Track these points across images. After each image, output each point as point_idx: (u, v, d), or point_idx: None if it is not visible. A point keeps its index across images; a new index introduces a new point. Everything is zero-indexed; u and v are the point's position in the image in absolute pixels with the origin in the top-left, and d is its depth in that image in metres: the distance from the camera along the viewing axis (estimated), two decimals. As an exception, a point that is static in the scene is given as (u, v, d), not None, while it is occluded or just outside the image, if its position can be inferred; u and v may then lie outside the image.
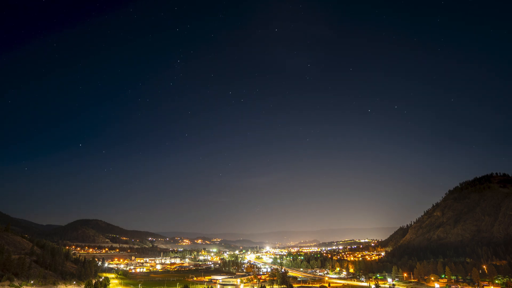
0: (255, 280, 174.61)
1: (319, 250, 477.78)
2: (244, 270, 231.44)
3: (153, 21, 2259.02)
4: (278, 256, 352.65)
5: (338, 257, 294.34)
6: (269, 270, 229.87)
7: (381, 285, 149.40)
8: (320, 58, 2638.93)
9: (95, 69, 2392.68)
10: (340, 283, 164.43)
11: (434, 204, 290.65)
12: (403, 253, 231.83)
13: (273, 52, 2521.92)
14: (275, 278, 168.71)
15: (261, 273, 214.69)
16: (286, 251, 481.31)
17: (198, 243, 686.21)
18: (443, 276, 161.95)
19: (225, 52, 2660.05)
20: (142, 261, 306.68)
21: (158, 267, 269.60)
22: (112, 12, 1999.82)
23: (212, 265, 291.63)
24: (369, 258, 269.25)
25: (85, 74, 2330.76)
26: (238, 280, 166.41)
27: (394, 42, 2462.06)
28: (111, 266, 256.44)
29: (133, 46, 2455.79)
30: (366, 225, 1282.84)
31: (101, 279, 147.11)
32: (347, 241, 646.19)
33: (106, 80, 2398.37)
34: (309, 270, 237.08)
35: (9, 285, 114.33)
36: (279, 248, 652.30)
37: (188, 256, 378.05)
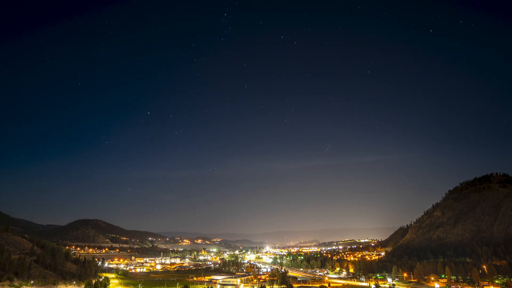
0: (255, 280, 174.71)
1: (319, 250, 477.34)
2: (244, 270, 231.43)
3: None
4: (278, 256, 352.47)
5: (338, 257, 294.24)
6: (269, 270, 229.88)
7: (381, 285, 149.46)
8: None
9: (146, 41, 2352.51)
10: (340, 283, 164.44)
11: (434, 204, 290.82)
12: (403, 253, 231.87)
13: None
14: (275, 278, 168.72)
15: (261, 273, 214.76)
16: (286, 251, 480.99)
17: (198, 243, 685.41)
18: (443, 276, 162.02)
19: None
20: (142, 261, 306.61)
21: (158, 267, 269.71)
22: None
23: (212, 265, 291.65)
24: (369, 258, 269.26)
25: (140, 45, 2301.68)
26: (238, 280, 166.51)
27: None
28: (111, 266, 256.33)
29: (177, 8, 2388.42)
30: (366, 225, 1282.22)
31: (101, 279, 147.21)
32: (347, 241, 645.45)
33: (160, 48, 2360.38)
34: (309, 270, 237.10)
35: (9, 285, 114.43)
36: (279, 248, 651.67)
37: (188, 256, 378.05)
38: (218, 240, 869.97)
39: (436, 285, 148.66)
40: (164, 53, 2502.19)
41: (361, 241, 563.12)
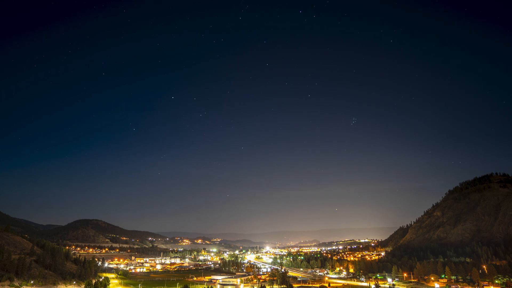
0: (255, 280, 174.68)
1: (319, 250, 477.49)
2: (244, 270, 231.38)
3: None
4: (278, 256, 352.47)
5: (338, 257, 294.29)
6: (269, 270, 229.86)
7: (381, 285, 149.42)
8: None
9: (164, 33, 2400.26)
10: (340, 283, 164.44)
11: (434, 204, 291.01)
12: (403, 253, 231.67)
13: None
14: (275, 278, 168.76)
15: (261, 273, 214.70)
16: (286, 251, 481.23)
17: (198, 243, 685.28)
18: (443, 276, 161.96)
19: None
20: (142, 261, 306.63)
21: (158, 267, 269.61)
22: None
23: (212, 265, 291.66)
24: (369, 258, 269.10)
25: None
26: (238, 280, 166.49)
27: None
28: (111, 266, 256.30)
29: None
30: (366, 225, 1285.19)
31: (101, 279, 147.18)
32: (347, 241, 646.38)
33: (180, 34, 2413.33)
34: (309, 270, 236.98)
35: (9, 285, 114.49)
36: (279, 248, 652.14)
37: (188, 256, 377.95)
38: (218, 240, 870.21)
39: (436, 285, 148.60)
40: (183, 37, 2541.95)
41: (361, 241, 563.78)
